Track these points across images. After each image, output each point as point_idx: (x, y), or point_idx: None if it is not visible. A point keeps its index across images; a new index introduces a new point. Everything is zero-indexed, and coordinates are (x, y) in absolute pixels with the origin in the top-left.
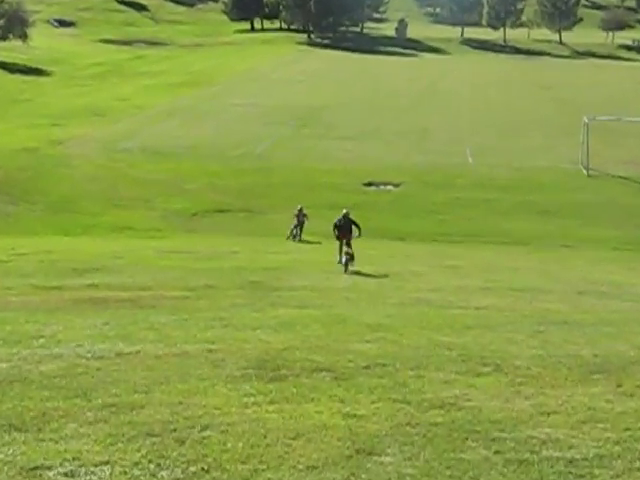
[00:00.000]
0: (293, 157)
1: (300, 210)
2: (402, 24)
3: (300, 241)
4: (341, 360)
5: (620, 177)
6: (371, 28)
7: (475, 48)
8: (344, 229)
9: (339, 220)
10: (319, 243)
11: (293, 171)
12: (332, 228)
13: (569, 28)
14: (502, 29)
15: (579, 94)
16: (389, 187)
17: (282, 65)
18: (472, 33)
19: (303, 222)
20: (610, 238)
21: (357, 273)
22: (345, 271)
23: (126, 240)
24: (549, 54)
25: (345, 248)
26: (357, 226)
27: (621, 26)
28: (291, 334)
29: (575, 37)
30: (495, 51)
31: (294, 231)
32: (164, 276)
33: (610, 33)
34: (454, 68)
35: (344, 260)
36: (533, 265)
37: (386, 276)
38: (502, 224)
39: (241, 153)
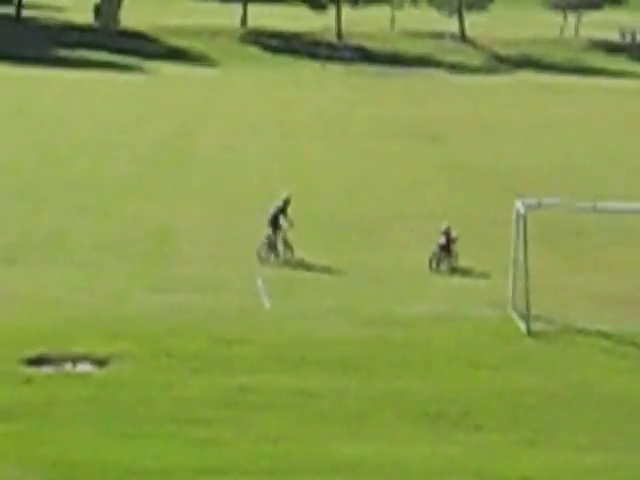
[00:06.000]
0: None
1: None
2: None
3: None
4: None
5: (597, 334)
6: (44, 8)
7: (273, 51)
8: None
9: None
10: None
11: None
12: None
13: (483, 8)
14: (334, 8)
15: (503, 152)
16: (85, 367)
17: None
18: (265, 17)
19: None
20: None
21: None
22: None
23: None
24: (438, 64)
25: None
26: None
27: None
28: None
29: (496, 25)
30: (316, 57)
31: None
32: None
33: (571, 15)
34: (226, 96)
35: None
36: None
37: None
38: (342, 447)
39: None
